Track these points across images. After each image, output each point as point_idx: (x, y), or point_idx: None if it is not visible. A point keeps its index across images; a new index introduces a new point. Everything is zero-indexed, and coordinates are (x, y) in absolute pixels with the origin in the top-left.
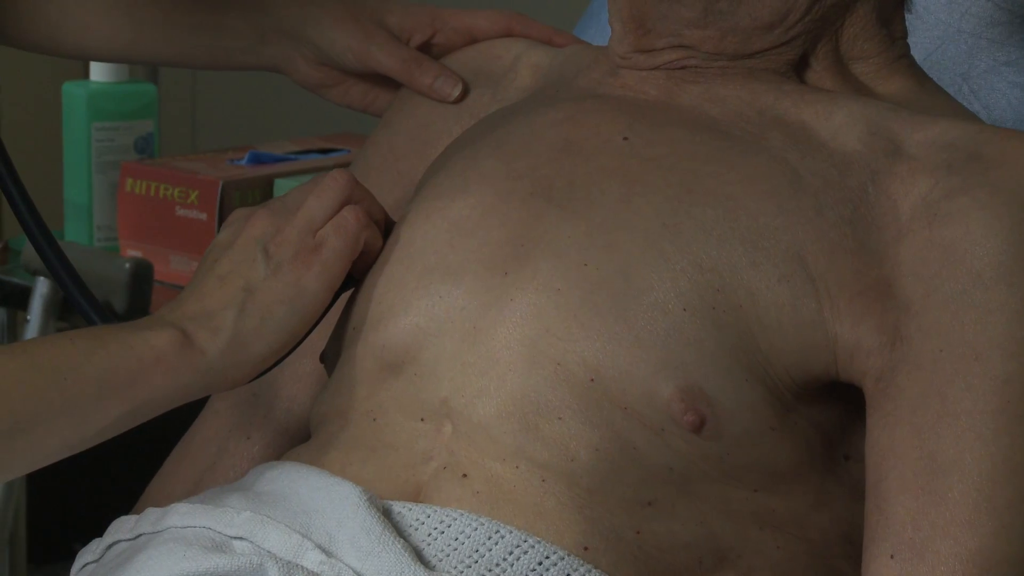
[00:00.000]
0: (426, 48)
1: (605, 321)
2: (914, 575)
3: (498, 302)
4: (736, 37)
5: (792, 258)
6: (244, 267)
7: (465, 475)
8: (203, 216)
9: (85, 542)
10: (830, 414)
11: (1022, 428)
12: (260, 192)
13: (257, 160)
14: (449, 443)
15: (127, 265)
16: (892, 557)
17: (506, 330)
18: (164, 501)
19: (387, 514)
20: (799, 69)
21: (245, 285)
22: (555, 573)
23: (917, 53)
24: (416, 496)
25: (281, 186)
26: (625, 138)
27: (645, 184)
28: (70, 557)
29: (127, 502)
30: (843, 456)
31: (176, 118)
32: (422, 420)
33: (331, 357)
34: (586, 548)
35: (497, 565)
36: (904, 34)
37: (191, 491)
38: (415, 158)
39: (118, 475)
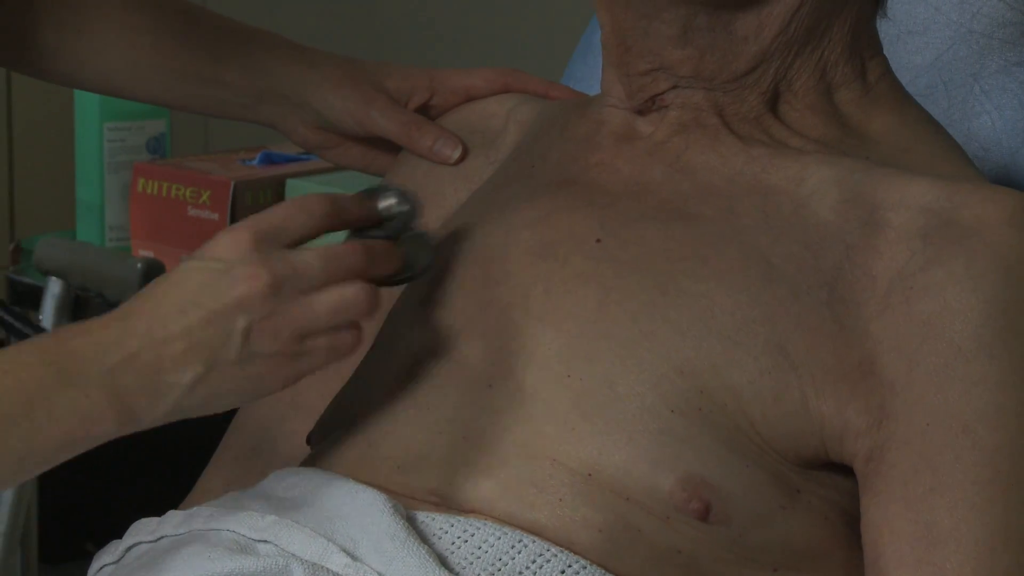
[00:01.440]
0: (424, 110)
1: (595, 426)
2: None
3: (485, 413)
4: (714, 56)
5: (772, 349)
6: (217, 340)
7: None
8: (215, 216)
9: (97, 541)
10: (844, 491)
11: (1014, 496)
12: (272, 192)
13: (269, 160)
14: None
15: (139, 265)
16: None
17: (496, 434)
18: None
19: (411, 522)
20: (779, 109)
21: (208, 361)
22: None
23: (928, 54)
24: (439, 501)
25: (293, 186)
26: (598, 240)
27: (620, 290)
28: (82, 556)
29: (138, 502)
30: None
31: (188, 118)
32: (412, 498)
33: (316, 442)
34: None
35: (520, 573)
36: (880, 49)
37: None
38: None
39: (129, 475)
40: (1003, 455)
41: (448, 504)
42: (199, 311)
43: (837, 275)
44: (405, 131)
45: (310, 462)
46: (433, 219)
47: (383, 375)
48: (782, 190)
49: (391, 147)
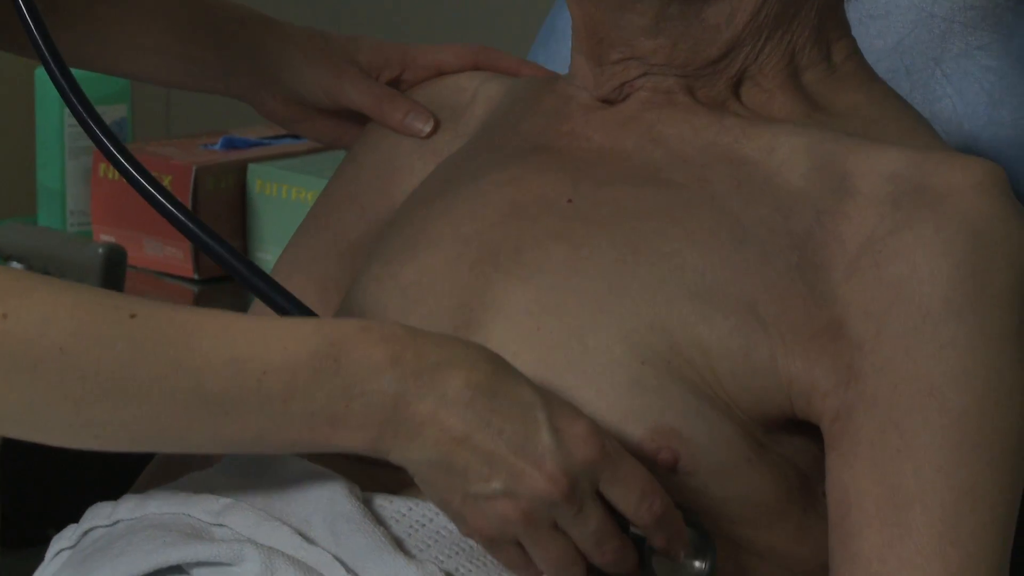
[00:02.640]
0: (394, 84)
1: (564, 379)
2: None
3: None
4: (686, 44)
5: (742, 308)
6: (476, 471)
7: None
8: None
9: (58, 527)
10: (804, 453)
11: (980, 459)
12: (233, 177)
13: (231, 145)
14: (397, 501)
15: (100, 250)
16: None
17: None
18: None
19: (368, 504)
20: (745, 91)
21: (452, 472)
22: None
23: (890, 37)
24: (397, 489)
25: (254, 171)
26: (569, 200)
27: (591, 247)
28: (43, 542)
29: (102, 488)
30: (822, 493)
31: (149, 103)
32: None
33: None
34: None
35: (478, 558)
36: (848, 31)
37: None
38: (376, 194)
39: (92, 461)
40: (970, 418)
41: None
42: (492, 444)
43: (807, 239)
44: (377, 104)
45: None
46: (400, 191)
47: None
48: (754, 160)
49: (362, 121)
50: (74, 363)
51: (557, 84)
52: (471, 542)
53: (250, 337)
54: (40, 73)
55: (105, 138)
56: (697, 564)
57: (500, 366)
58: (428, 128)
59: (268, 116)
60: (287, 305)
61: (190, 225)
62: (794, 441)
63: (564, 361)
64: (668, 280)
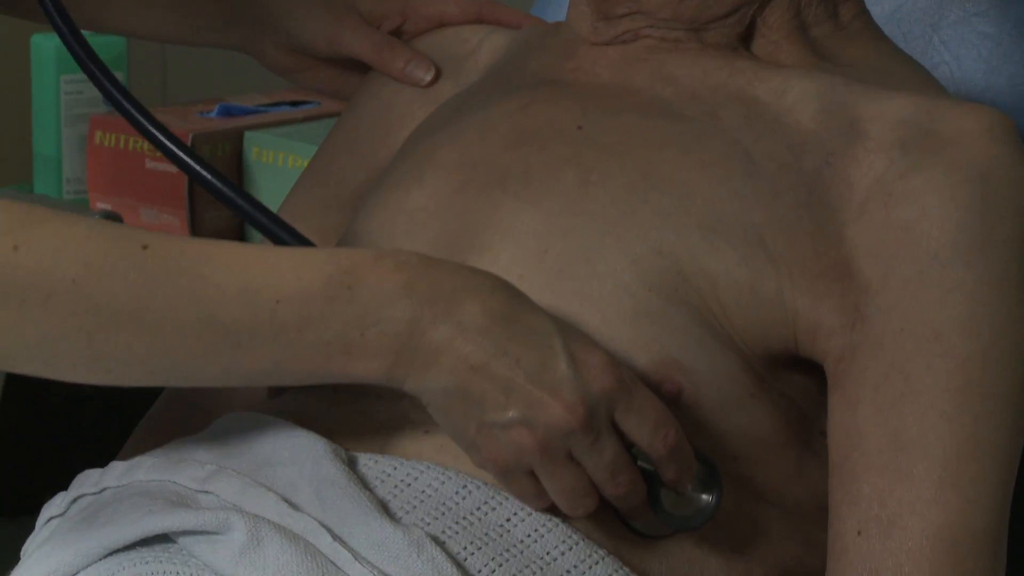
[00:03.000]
0: (395, 35)
1: (571, 304)
2: (881, 552)
3: None
4: (694, 1)
5: (751, 240)
6: (494, 399)
7: (427, 431)
8: (173, 169)
9: (53, 495)
10: (804, 391)
11: (983, 405)
12: (230, 144)
13: (227, 112)
14: (408, 410)
15: (97, 218)
16: (859, 534)
17: None
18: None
19: (352, 465)
20: (754, 43)
21: (469, 398)
22: (522, 529)
23: (887, 4)
24: (381, 448)
25: (251, 138)
26: (580, 127)
27: (601, 172)
28: (38, 510)
29: (96, 455)
30: (819, 432)
31: (146, 70)
32: (379, 397)
33: None
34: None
35: (464, 519)
36: None
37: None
38: (378, 142)
39: (87, 427)
40: (975, 364)
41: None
42: (509, 371)
43: (816, 178)
44: (377, 52)
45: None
46: (401, 139)
47: None
48: (764, 101)
49: (363, 70)
50: (86, 294)
51: (562, 28)
52: (456, 503)
53: (263, 267)
54: (36, 39)
55: (100, 72)
56: (704, 497)
57: (516, 294)
58: (429, 77)
59: (269, 66)
60: (290, 239)
61: (186, 159)
62: (795, 379)
63: (571, 286)
64: (678, 208)
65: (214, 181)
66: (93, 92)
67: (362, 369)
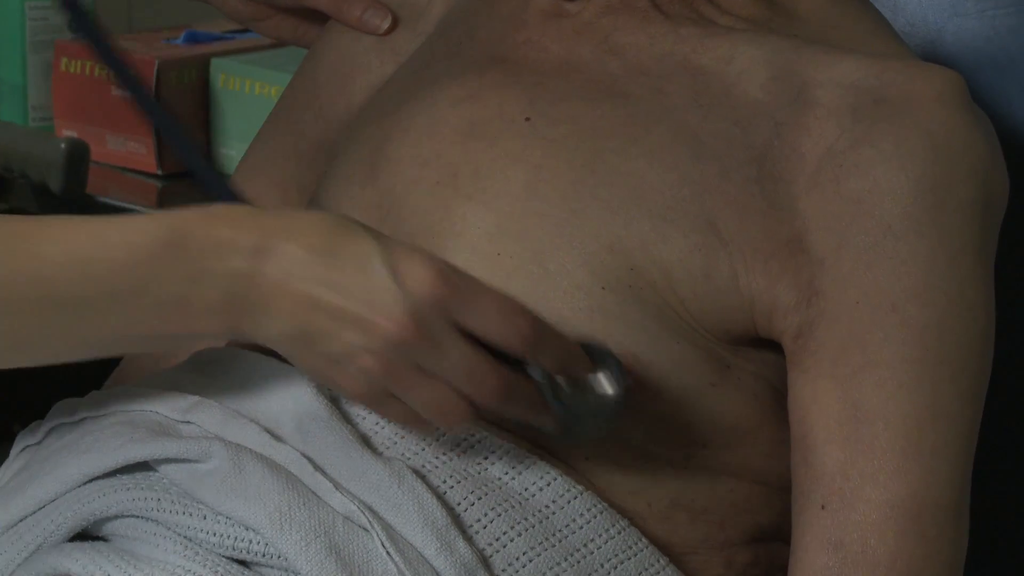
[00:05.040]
0: None
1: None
2: (845, 524)
3: None
4: None
5: (702, 226)
6: (327, 331)
7: None
8: None
9: (24, 423)
10: (774, 367)
11: (942, 373)
12: (196, 71)
13: (193, 39)
14: None
15: (63, 145)
16: (823, 508)
17: None
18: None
19: (335, 402)
20: None
21: (308, 337)
22: (501, 466)
23: None
24: None
25: (217, 65)
26: (527, 118)
27: (549, 169)
28: (9, 439)
29: (67, 383)
30: None
31: None
32: None
33: None
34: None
35: (444, 454)
36: None
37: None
38: (335, 92)
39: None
40: (931, 333)
41: None
42: (338, 300)
43: (766, 152)
44: (334, 1)
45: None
46: (359, 89)
47: None
48: (711, 70)
49: (323, 20)
50: None
51: None
52: (436, 439)
53: (94, 238)
54: None
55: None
56: (601, 376)
57: (339, 225)
58: (386, 25)
59: (231, 15)
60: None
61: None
62: (763, 356)
63: (526, 287)
64: (626, 200)
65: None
66: (58, 19)
67: (203, 326)
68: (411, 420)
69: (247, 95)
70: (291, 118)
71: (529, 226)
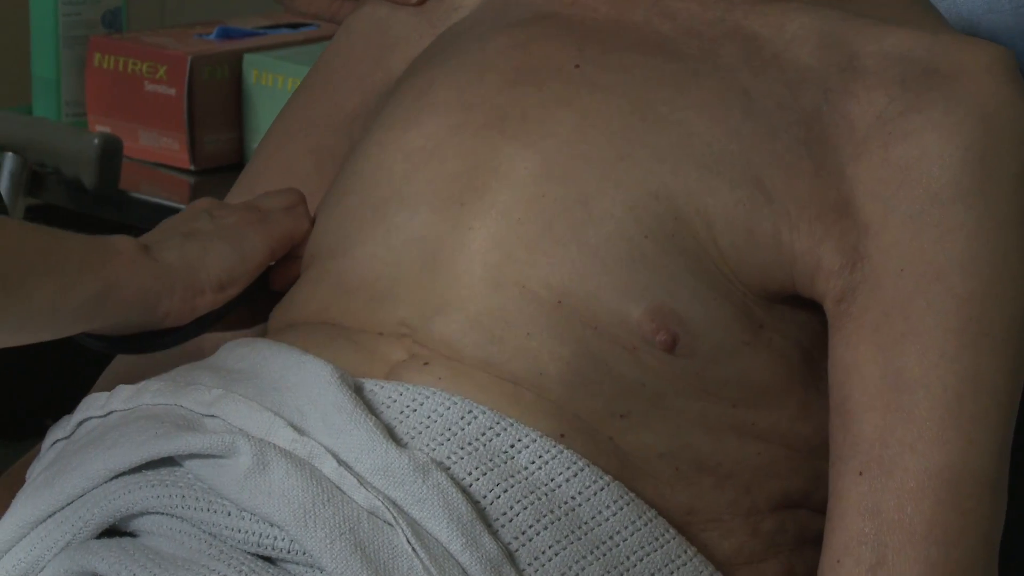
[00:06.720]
0: None
1: (567, 249)
2: (883, 491)
3: (456, 231)
4: None
5: (748, 180)
6: (186, 223)
7: (427, 363)
8: (172, 91)
9: (56, 418)
10: (808, 330)
11: (984, 344)
12: (229, 67)
13: (226, 35)
14: (410, 348)
15: (96, 140)
16: (861, 474)
17: (466, 257)
18: (127, 370)
19: (359, 391)
20: None
21: (186, 231)
22: (527, 455)
23: None
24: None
25: (250, 61)
26: (577, 65)
27: (598, 114)
28: (41, 434)
29: (97, 378)
30: (824, 369)
31: None
32: (380, 334)
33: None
34: (562, 435)
35: (470, 444)
36: None
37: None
38: (372, 63)
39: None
40: (975, 303)
41: (414, 334)
42: (164, 225)
43: (815, 115)
44: None
45: (284, 317)
46: (397, 61)
47: (350, 199)
48: (762, 36)
49: None
50: None
51: None
52: (461, 428)
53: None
54: None
55: None
56: None
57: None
58: None
59: None
60: None
61: None
62: (796, 317)
63: (567, 230)
64: (675, 149)
65: None
66: (92, 14)
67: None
68: (293, 208)
69: (280, 90)
70: (326, 87)
71: (575, 169)
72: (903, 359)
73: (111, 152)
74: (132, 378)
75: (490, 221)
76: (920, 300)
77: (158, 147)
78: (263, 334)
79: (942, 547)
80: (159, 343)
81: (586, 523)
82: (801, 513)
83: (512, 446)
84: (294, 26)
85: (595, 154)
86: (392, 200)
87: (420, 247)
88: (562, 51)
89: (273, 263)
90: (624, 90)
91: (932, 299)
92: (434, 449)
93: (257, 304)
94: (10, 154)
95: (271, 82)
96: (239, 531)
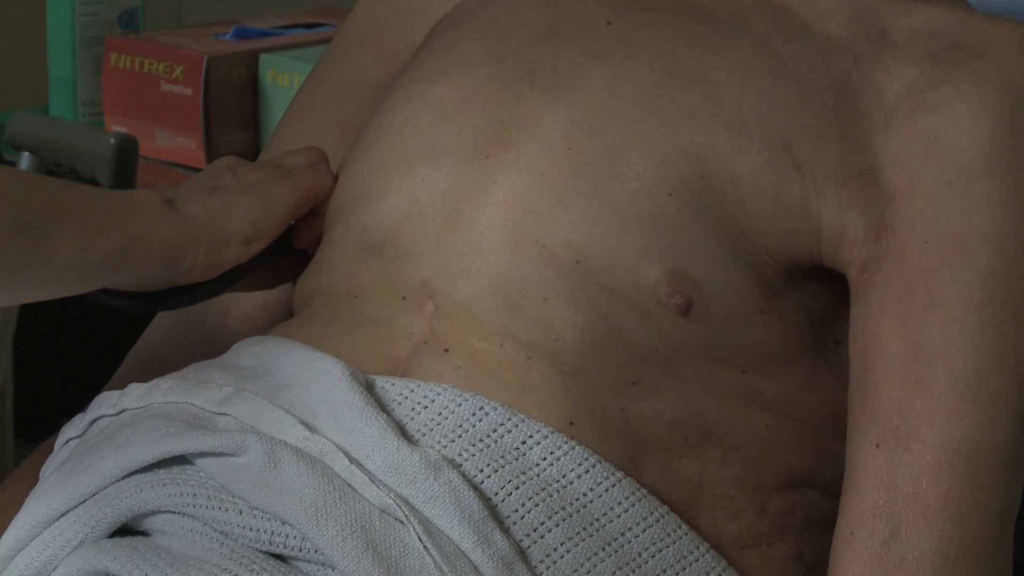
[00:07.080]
0: None
1: (590, 204)
2: (899, 464)
3: (480, 184)
4: None
5: (777, 144)
6: (210, 179)
7: (447, 350)
8: (188, 91)
9: (71, 417)
10: (819, 300)
11: (1006, 319)
12: (245, 67)
13: (242, 35)
14: (431, 320)
15: (112, 140)
16: (877, 446)
17: (489, 212)
18: (143, 366)
19: (370, 388)
20: None
21: (211, 187)
22: (538, 452)
23: None
24: (397, 371)
25: (266, 61)
26: (608, 22)
27: (629, 69)
28: (58, 432)
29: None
30: (833, 341)
31: None
32: (403, 298)
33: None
34: (571, 423)
35: (481, 440)
36: None
37: (170, 355)
38: (396, 30)
39: (104, 349)
40: (999, 278)
41: (435, 298)
42: (198, 176)
43: (845, 83)
44: None
45: (310, 283)
46: (420, 28)
47: (375, 152)
48: (793, 7)
49: None
50: None
51: None
52: (473, 424)
53: None
54: None
55: None
56: None
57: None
58: None
59: None
60: None
61: None
62: (810, 286)
63: (590, 185)
64: (705, 108)
65: None
66: (108, 14)
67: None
68: (316, 165)
69: (296, 90)
70: (349, 57)
71: (604, 123)
72: (924, 331)
73: (127, 152)
74: (145, 376)
75: (514, 175)
76: (944, 273)
77: (174, 147)
78: (288, 299)
79: (956, 522)
80: (185, 299)
81: (597, 520)
82: (808, 493)
83: (523, 443)
84: (310, 26)
85: (625, 109)
86: (418, 152)
87: (443, 200)
88: (594, 7)
89: (295, 221)
90: (656, 48)
91: (955, 272)
92: (445, 446)
93: (281, 263)
94: (27, 154)
95: (287, 82)
96: (250, 529)
